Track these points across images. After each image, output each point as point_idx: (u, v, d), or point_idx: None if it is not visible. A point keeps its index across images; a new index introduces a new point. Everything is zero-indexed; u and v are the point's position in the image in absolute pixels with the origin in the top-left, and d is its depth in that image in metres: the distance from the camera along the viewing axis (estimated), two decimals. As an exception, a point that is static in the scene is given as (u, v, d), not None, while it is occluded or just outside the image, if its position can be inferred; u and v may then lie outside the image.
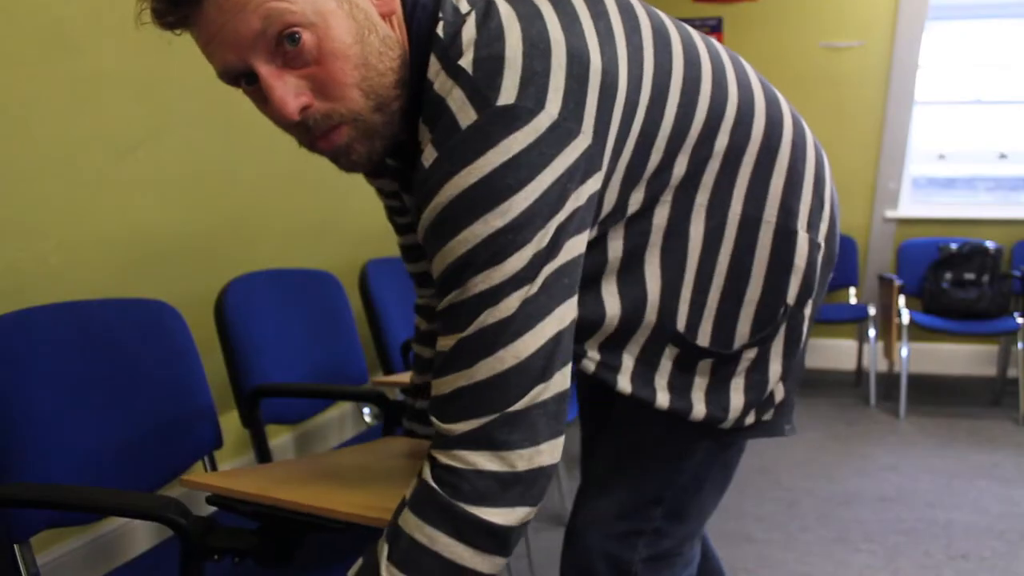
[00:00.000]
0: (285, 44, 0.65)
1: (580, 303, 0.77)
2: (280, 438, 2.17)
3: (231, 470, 0.96)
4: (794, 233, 0.83)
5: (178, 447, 1.31)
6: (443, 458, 0.67)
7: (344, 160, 0.74)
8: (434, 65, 0.69)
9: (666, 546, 0.92)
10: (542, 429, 0.67)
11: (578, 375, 0.92)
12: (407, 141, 0.76)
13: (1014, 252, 3.66)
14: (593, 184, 0.69)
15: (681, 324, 0.81)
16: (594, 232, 0.75)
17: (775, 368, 0.86)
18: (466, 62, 0.66)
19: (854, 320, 3.58)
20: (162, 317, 1.35)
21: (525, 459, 0.67)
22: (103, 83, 1.29)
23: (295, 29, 0.64)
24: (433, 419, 0.69)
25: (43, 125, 1.23)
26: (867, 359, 3.74)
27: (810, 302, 0.87)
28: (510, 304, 0.65)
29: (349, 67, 0.67)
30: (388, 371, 1.97)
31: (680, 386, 0.84)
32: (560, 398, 0.69)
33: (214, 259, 1.82)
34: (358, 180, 2.28)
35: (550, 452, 0.68)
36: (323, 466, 0.99)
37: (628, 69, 0.71)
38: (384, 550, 0.68)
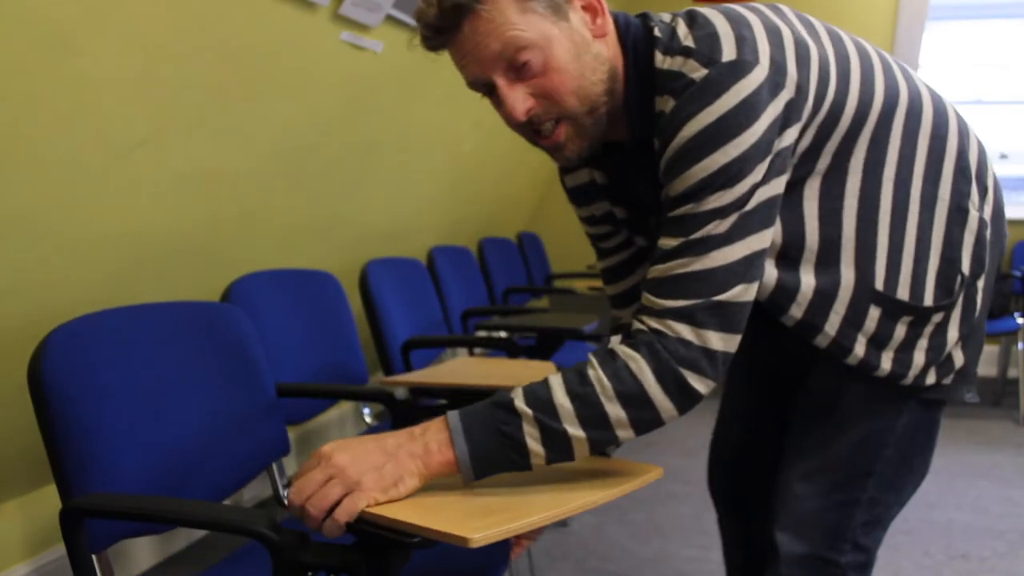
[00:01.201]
0: (517, 62, 0.83)
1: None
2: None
3: None
4: (965, 211, 0.95)
5: (246, 454, 1.29)
6: (653, 322, 0.84)
7: (560, 155, 0.92)
8: (659, 57, 0.86)
9: (879, 512, 1.03)
10: (733, 322, 0.84)
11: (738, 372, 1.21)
12: (621, 142, 0.94)
13: (1014, 252, 3.66)
14: (792, 134, 0.84)
15: (879, 283, 0.93)
16: (790, 177, 0.88)
17: (952, 333, 0.97)
18: (688, 42, 0.84)
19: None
20: (227, 319, 1.34)
21: (714, 340, 0.84)
22: (103, 84, 1.28)
23: (525, 50, 0.83)
24: (646, 295, 0.86)
25: (43, 126, 1.23)
26: (867, 359, 3.74)
27: (983, 276, 0.99)
28: (731, 220, 0.82)
29: (568, 79, 0.85)
30: (388, 371, 1.97)
31: (876, 343, 0.95)
32: (746, 306, 0.85)
33: (214, 259, 1.82)
34: (358, 181, 2.28)
35: (731, 343, 0.85)
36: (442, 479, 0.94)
37: (816, 47, 0.87)
38: (594, 360, 0.85)
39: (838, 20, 4.39)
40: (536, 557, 2.02)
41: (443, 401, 1.42)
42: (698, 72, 0.81)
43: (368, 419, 1.97)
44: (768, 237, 0.86)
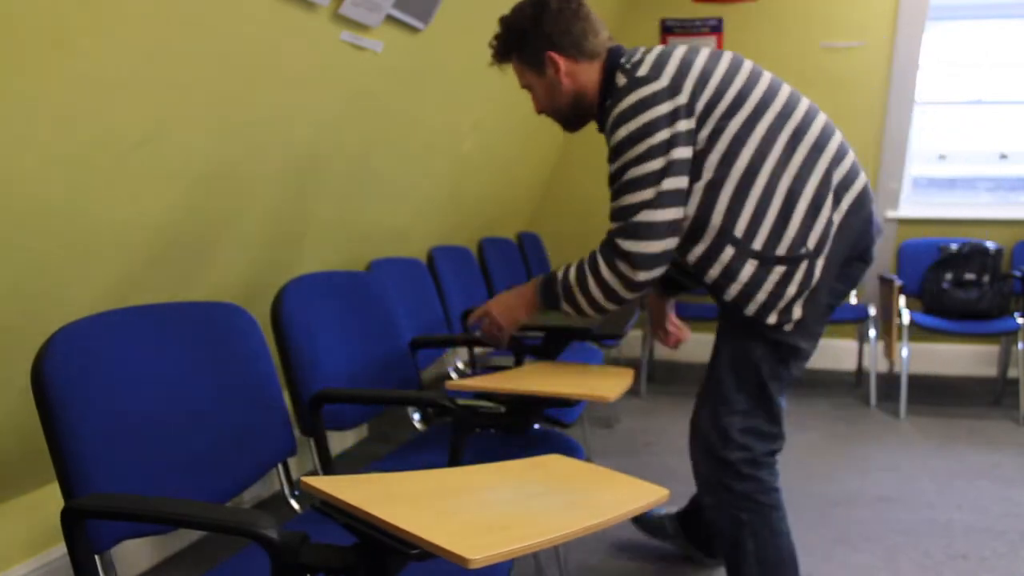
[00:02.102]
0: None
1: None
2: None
3: (349, 477, 0.90)
4: (820, 208, 1.44)
5: (250, 455, 1.29)
6: (609, 236, 1.46)
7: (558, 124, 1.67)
8: (618, 76, 1.46)
9: (754, 423, 1.54)
10: (645, 234, 1.41)
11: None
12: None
13: (1014, 252, 3.66)
14: (684, 124, 1.40)
15: (739, 233, 1.43)
16: (697, 148, 1.42)
17: (792, 289, 1.44)
18: (628, 66, 1.46)
19: (855, 320, 3.58)
20: (233, 320, 1.34)
21: (629, 245, 1.42)
22: (103, 84, 1.28)
23: (525, 87, 1.63)
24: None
25: (44, 126, 1.23)
26: (867, 359, 3.74)
27: (823, 257, 1.44)
28: (644, 169, 1.41)
29: (542, 103, 1.62)
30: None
31: (726, 276, 1.45)
32: (654, 224, 1.41)
33: (215, 259, 1.82)
34: (358, 181, 2.28)
35: (644, 246, 1.42)
36: (459, 484, 0.93)
37: (721, 77, 1.44)
38: (586, 256, 1.52)
39: (839, 20, 4.41)
40: (540, 556, 2.02)
41: (502, 409, 1.47)
42: (622, 81, 1.44)
43: (418, 425, 1.91)
44: (673, 183, 1.40)
